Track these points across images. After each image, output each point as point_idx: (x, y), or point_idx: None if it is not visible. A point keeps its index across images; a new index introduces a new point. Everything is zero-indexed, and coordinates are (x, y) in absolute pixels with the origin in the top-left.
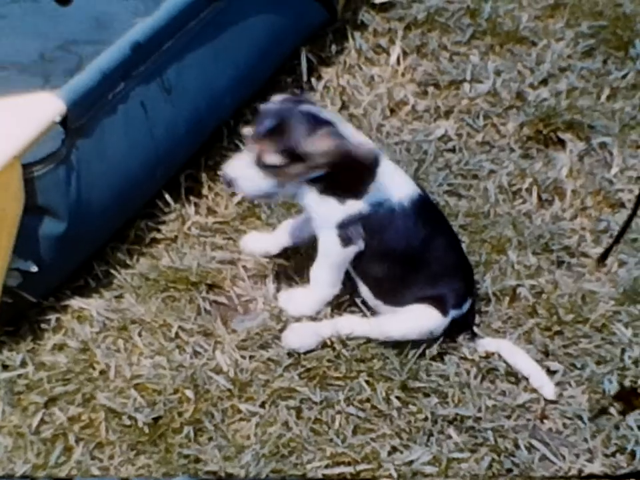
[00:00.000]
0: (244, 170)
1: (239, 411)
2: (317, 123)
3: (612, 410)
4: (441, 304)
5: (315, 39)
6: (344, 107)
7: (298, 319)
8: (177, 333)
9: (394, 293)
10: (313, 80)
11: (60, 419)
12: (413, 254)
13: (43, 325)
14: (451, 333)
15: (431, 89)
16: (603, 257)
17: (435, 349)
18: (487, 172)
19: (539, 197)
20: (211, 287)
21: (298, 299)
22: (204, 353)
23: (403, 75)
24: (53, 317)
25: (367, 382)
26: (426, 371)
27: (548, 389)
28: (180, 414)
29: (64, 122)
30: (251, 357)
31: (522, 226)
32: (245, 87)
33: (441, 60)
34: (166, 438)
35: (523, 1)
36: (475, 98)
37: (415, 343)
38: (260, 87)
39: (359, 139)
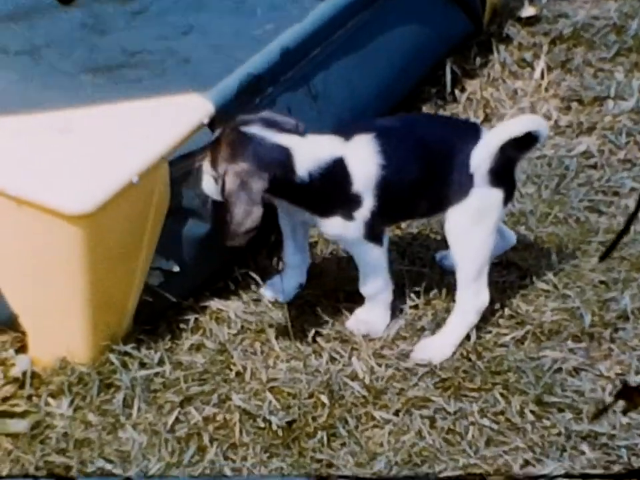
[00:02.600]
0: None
1: (373, 418)
2: (244, 147)
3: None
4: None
5: (459, 51)
6: (486, 119)
7: (372, 338)
8: (313, 338)
9: (439, 200)
10: (457, 91)
11: (195, 419)
12: (419, 167)
13: (181, 325)
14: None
15: (574, 105)
16: (604, 256)
17: (571, 364)
18: (628, 189)
19: None
20: (348, 294)
21: (369, 319)
22: (340, 358)
23: (546, 89)
24: (191, 317)
25: (501, 394)
26: (561, 386)
27: None
28: (314, 418)
29: (212, 124)
30: (387, 365)
31: None
32: (388, 96)
33: (585, 76)
34: (299, 442)
35: None
36: (618, 115)
37: (553, 358)
38: (403, 97)
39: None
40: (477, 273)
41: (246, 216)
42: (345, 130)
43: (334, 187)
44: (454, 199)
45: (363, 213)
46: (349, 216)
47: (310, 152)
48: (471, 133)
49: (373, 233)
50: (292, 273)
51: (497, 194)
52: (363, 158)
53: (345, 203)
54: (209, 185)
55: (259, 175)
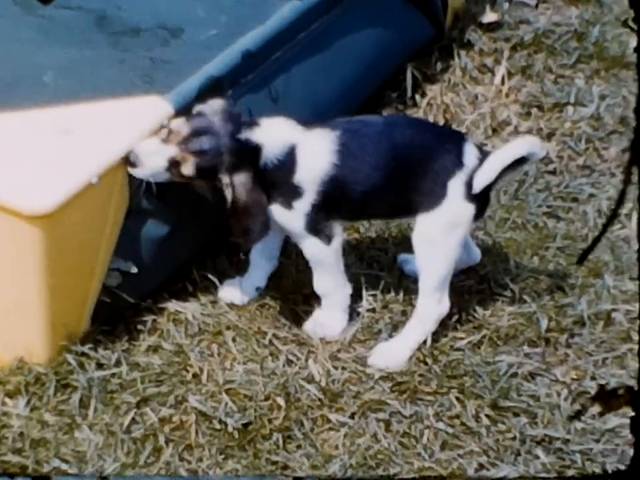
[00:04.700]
0: (151, 157)
1: (329, 421)
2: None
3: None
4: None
5: (421, 56)
6: (446, 124)
7: (329, 341)
8: (270, 341)
9: (403, 205)
10: (417, 96)
11: (151, 420)
12: (380, 173)
13: (139, 326)
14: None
15: (534, 111)
16: (581, 259)
17: (526, 369)
18: (587, 196)
19: (639, 223)
20: (306, 297)
21: (326, 322)
22: (297, 361)
23: (507, 95)
24: (149, 318)
25: (457, 398)
26: (517, 391)
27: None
28: (270, 421)
29: None
30: (343, 368)
31: (620, 251)
32: (350, 99)
33: (546, 82)
34: (255, 444)
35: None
36: (578, 121)
37: (509, 362)
38: (365, 101)
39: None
40: (440, 282)
41: (263, 228)
42: (313, 122)
43: (279, 172)
44: (423, 206)
45: (303, 205)
46: (288, 205)
47: (275, 139)
48: (453, 142)
49: (315, 227)
50: (253, 275)
51: (470, 208)
52: (314, 151)
53: (286, 191)
54: (154, 166)
55: (257, 185)
